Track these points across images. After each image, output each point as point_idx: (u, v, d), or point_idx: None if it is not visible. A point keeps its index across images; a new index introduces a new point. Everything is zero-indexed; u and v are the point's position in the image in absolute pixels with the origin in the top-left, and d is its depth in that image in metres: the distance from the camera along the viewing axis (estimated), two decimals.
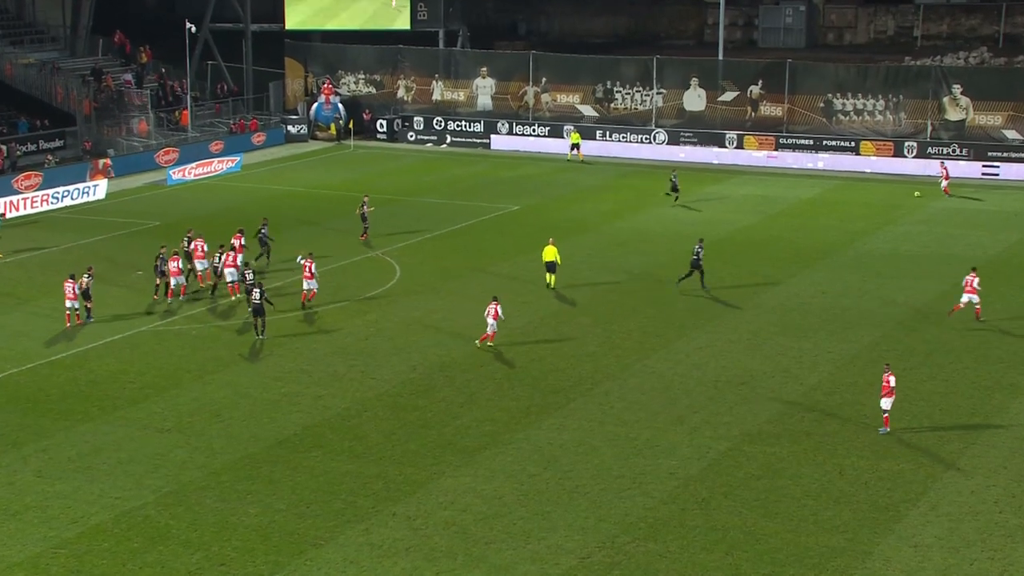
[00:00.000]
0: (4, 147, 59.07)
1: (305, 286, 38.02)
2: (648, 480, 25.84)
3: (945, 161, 58.04)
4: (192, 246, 39.88)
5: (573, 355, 33.84)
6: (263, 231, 43.02)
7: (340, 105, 71.67)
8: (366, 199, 46.84)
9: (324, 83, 72.08)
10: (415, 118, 71.37)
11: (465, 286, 40.78)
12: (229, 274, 38.31)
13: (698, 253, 39.74)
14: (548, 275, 40.20)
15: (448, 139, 70.38)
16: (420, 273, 42.14)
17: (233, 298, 38.23)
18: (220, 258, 38.76)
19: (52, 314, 36.58)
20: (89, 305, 36.24)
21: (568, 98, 69.62)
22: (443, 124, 70.72)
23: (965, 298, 36.01)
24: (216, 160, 62.35)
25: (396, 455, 27.13)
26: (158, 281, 38.87)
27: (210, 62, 74.15)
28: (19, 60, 66.32)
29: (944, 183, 54.97)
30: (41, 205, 52.66)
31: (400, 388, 31.31)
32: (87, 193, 54.77)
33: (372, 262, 43.12)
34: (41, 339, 35.08)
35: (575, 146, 65.24)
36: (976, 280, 36.06)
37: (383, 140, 71.09)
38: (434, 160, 66.30)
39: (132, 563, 22.46)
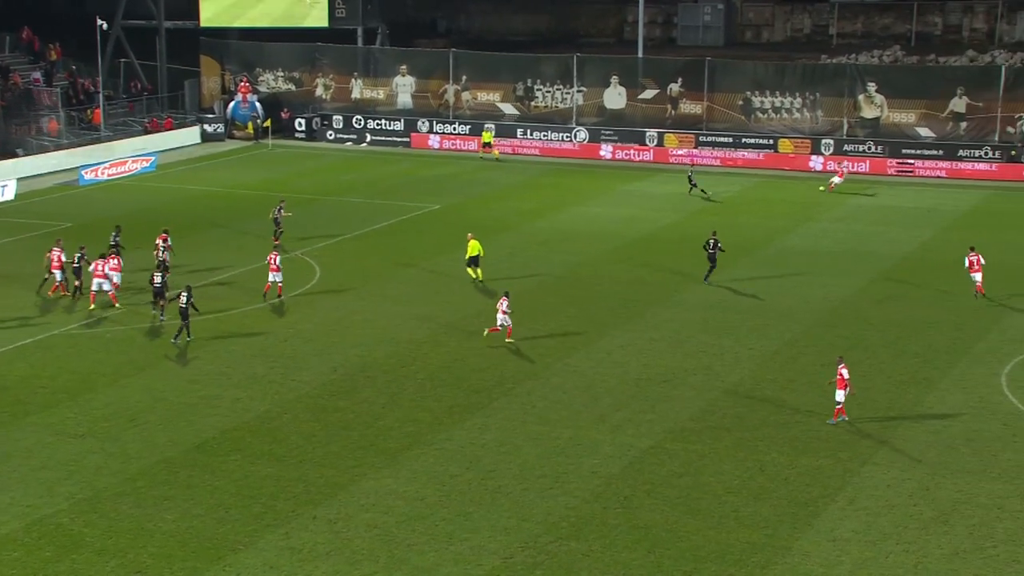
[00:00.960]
0: None
1: (270, 278, 38.16)
2: (570, 479, 26.01)
3: (846, 163, 59.44)
4: (53, 255, 38.46)
5: (495, 354, 33.91)
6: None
7: (257, 103, 71.09)
8: (282, 203, 46.26)
9: (241, 81, 71.44)
10: (334, 117, 71.02)
11: (386, 286, 40.68)
12: (97, 283, 37.23)
13: (714, 245, 40.15)
14: (473, 270, 40.30)
15: (368, 138, 70.13)
16: (340, 273, 41.95)
17: (116, 306, 37.40)
18: (89, 265, 37.84)
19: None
20: (77, 283, 37.05)
21: (489, 96, 69.74)
22: (363, 123, 70.45)
23: (976, 277, 38.29)
24: (130, 160, 61.46)
25: (317, 457, 27.00)
26: (77, 283, 38.49)
27: (123, 60, 73.08)
28: None
29: (835, 180, 56.26)
30: None
31: (321, 390, 31.17)
32: None
33: (291, 263, 42.77)
34: None
35: (487, 144, 65.50)
36: (979, 258, 38.39)
37: (302, 139, 70.64)
38: (354, 159, 66.00)
39: (43, 572, 22.10)
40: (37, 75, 67.04)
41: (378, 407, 30.01)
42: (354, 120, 70.52)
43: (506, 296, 34.87)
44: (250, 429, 28.61)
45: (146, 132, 66.97)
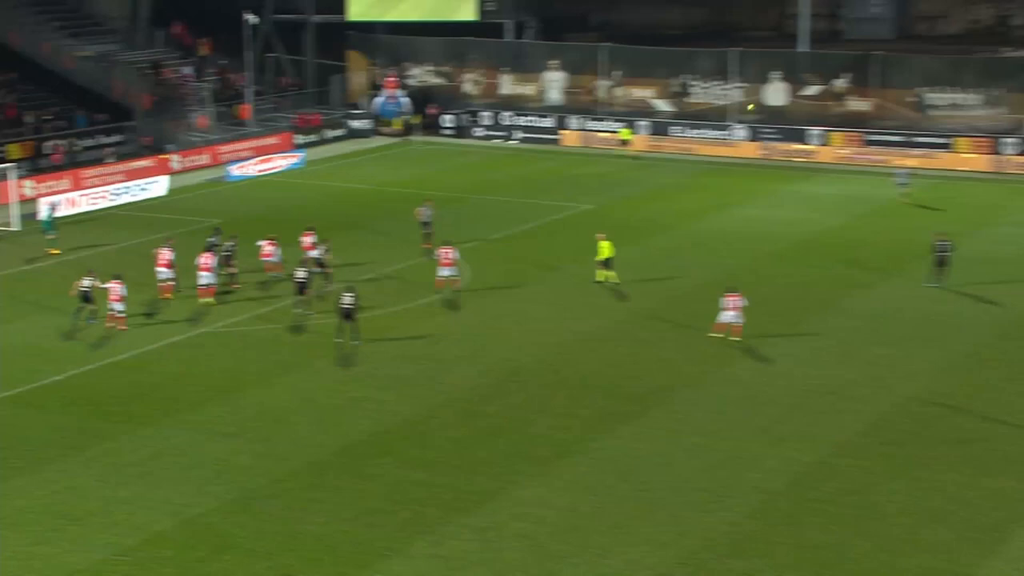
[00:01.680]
0: (63, 142, 60.11)
1: (445, 273, 38.84)
2: (731, 494, 25.58)
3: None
4: (161, 254, 39.13)
5: (650, 361, 33.62)
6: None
7: (404, 99, 71.98)
8: (428, 203, 46.06)
9: (388, 76, 72.43)
10: (482, 112, 71.47)
11: (536, 288, 40.74)
12: (204, 277, 38.23)
13: (944, 247, 39.34)
14: (604, 272, 40.15)
15: (517, 134, 70.38)
16: (489, 275, 42.15)
17: (203, 301, 38.16)
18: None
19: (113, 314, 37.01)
20: (93, 307, 36.02)
21: (642, 92, 69.33)
22: (511, 120, 70.75)
23: None
24: (278, 156, 62.92)
25: (466, 464, 27.11)
26: (233, 270, 39.82)
27: (271, 55, 74.81)
28: (77, 53, 67.34)
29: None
30: (100, 201, 53.39)
31: (470, 394, 31.32)
32: (147, 190, 55.45)
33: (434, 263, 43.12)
34: (101, 339, 35.52)
35: (625, 141, 65.16)
36: None
37: (449, 135, 71.29)
38: (502, 156, 66.32)
39: (195, 572, 22.65)
40: (187, 71, 69.18)
41: (529, 413, 30.01)
42: (503, 116, 70.86)
43: (737, 293, 34.34)
44: (398, 433, 28.89)
45: (294, 128, 68.46)
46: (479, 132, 71.18)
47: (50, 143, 59.77)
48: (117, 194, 54.26)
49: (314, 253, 40.67)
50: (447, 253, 39.45)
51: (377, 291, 40.23)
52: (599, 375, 32.61)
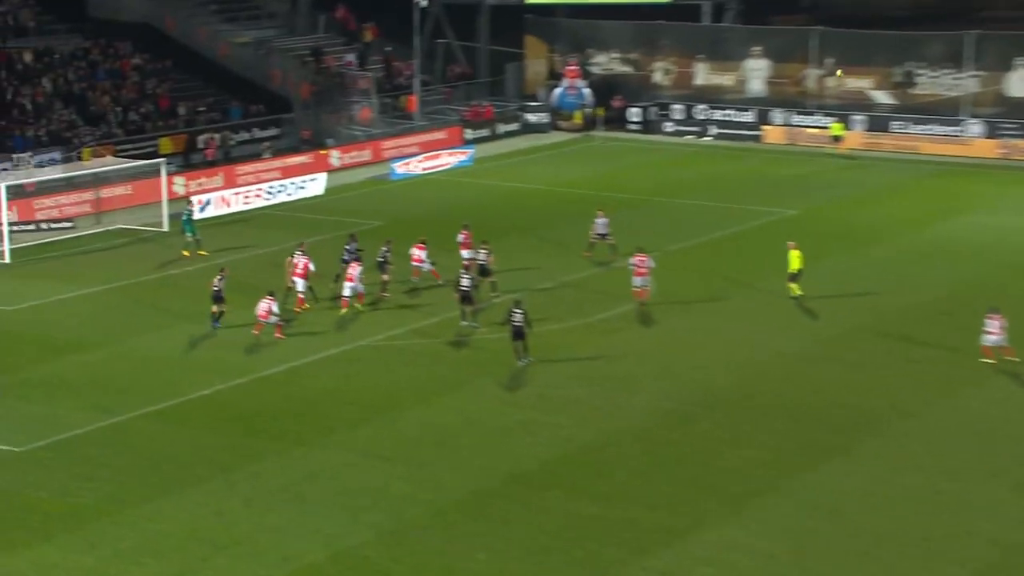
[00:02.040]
0: (216, 136, 62.09)
1: (638, 283, 39.24)
2: (959, 546, 24.71)
3: None
4: (296, 262, 39.85)
5: (862, 387, 32.83)
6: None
7: (586, 90, 72.08)
8: (601, 214, 45.71)
9: (569, 65, 72.61)
10: (673, 105, 71.11)
11: (730, 302, 40.29)
12: (349, 288, 38.96)
13: None
14: (793, 285, 39.43)
15: (712, 130, 69.78)
16: (677, 285, 41.83)
17: (346, 310, 38.91)
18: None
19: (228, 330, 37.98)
20: (222, 309, 37.62)
21: (858, 82, 67.93)
22: (706, 113, 70.17)
23: None
24: (446, 152, 63.72)
25: (648, 498, 26.88)
26: (386, 277, 40.53)
27: (441, 41, 75.71)
28: (234, 39, 69.46)
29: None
30: (255, 200, 54.91)
31: (653, 420, 31.11)
32: (304, 188, 56.80)
33: (619, 274, 43.09)
34: (250, 351, 36.50)
35: (837, 138, 63.87)
36: None
37: (636, 130, 71.14)
38: (695, 154, 65.90)
39: None
40: (350, 58, 70.63)
41: (719, 443, 29.64)
42: (696, 109, 70.34)
43: (998, 313, 33.79)
44: (572, 461, 28.83)
45: (463, 122, 69.26)
46: (669, 127, 70.82)
47: (203, 137, 61.81)
48: (272, 193, 55.76)
49: (469, 254, 40.86)
50: (642, 260, 39.33)
51: (551, 302, 40.38)
52: (800, 401, 31.97)
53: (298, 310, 39.37)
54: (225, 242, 48.11)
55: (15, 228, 48.27)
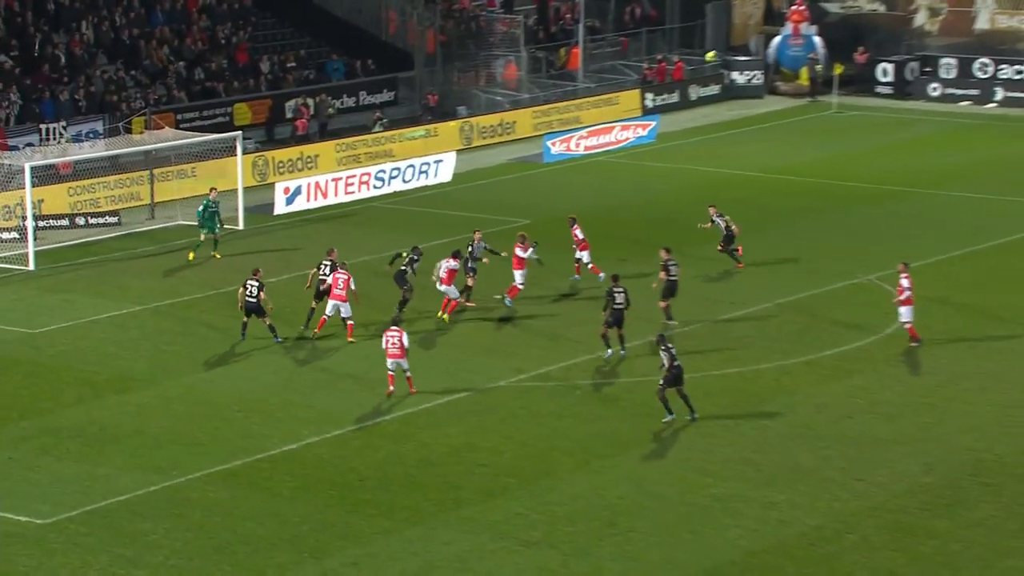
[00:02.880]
0: (310, 101, 62.66)
1: (904, 317, 38.83)
2: None
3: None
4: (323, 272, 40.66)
5: None
6: None
7: (817, 39, 71.44)
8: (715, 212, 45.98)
9: (795, 5, 71.92)
10: (942, 60, 70.15)
11: (1017, 344, 39.83)
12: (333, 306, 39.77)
13: None
14: None
15: (999, 95, 68.62)
16: (941, 313, 41.30)
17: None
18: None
19: (367, 355, 38.21)
20: (268, 321, 39.15)
21: None
22: (990, 70, 69.00)
23: None
24: (618, 126, 63.59)
25: None
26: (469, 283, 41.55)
27: None
28: None
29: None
30: (360, 189, 55.30)
31: (907, 499, 30.73)
32: (425, 173, 57.06)
33: (856, 292, 42.39)
34: (350, 392, 36.65)
35: None
36: None
37: (887, 95, 70.43)
38: (973, 128, 65.15)
39: None
40: None
41: (1003, 536, 29.14)
42: (976, 66, 69.21)
43: None
44: (790, 552, 28.49)
45: (643, 83, 69.09)
46: (935, 90, 69.85)
47: (293, 103, 62.53)
48: (383, 180, 56.12)
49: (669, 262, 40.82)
50: (906, 277, 38.68)
51: (758, 332, 40.38)
52: None
53: (320, 331, 40.17)
54: (319, 243, 48.26)
55: (43, 224, 49.23)
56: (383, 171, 56.51)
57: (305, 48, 66.75)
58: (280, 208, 52.62)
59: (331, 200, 54.34)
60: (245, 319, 39.52)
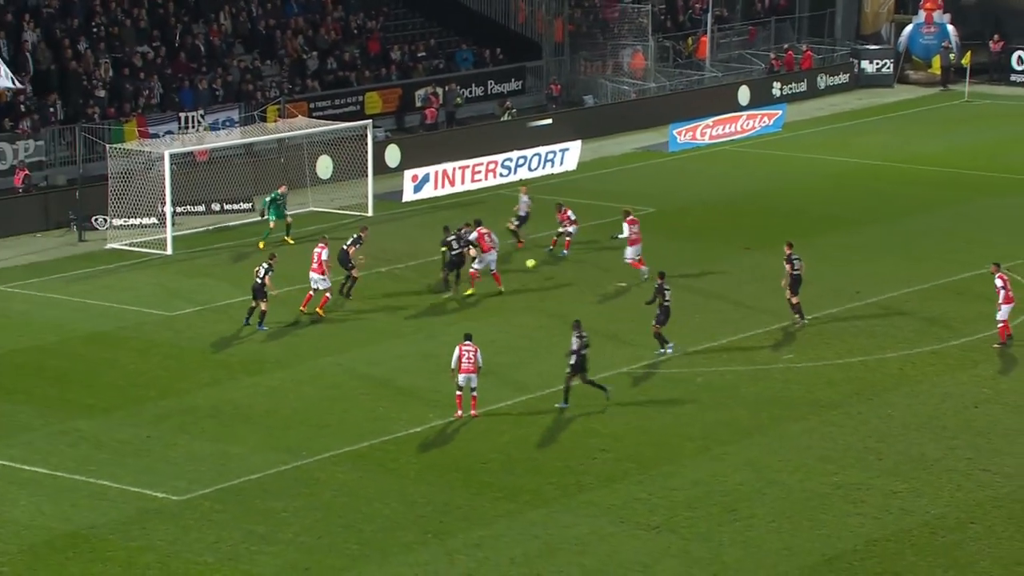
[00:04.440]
0: (440, 89, 62.88)
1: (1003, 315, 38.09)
2: None
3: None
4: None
5: None
6: None
7: (950, 27, 70.55)
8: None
9: None
10: None
11: None
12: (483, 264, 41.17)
13: None
14: None
15: None
16: None
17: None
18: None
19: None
20: (263, 308, 39.65)
21: None
22: None
23: None
24: (744, 115, 63.30)
25: None
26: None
27: None
28: None
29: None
30: (487, 178, 55.42)
31: None
32: (551, 162, 57.11)
33: (978, 283, 42.06)
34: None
35: None
36: None
37: (1021, 83, 69.46)
38: None
39: None
40: None
41: None
42: None
43: None
44: (913, 541, 28.30)
45: (770, 72, 68.70)
46: None
47: (422, 91, 62.83)
48: (508, 167, 56.17)
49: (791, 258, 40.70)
50: (1000, 276, 38.18)
51: (883, 322, 40.33)
52: None
53: (321, 310, 40.81)
54: (424, 236, 48.17)
55: (180, 210, 49.86)
56: (509, 159, 56.61)
57: (435, 38, 67.04)
58: (408, 196, 52.90)
59: (458, 188, 54.59)
60: (252, 304, 40.00)
